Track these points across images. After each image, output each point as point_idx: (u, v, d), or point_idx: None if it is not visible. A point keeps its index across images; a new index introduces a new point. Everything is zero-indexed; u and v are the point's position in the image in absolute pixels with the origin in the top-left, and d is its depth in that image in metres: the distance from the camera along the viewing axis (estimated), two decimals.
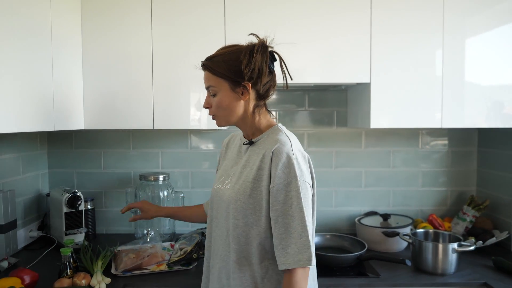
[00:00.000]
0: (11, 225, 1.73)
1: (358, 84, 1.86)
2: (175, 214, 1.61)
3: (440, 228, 1.99)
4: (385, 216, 2.03)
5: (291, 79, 1.23)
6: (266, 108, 1.26)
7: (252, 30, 1.64)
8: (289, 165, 1.10)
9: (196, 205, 1.60)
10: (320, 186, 2.18)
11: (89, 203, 2.11)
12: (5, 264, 1.67)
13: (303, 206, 1.08)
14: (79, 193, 1.93)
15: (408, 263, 1.58)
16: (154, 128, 1.80)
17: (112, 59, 1.79)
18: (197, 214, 1.55)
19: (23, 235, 1.96)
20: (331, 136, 2.19)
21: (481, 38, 1.77)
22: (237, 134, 1.38)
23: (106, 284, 1.51)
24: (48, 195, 2.09)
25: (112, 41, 1.79)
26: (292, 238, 1.07)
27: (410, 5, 1.76)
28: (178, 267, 1.70)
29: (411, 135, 2.19)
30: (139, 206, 1.61)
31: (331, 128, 2.18)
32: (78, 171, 2.21)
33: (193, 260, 1.72)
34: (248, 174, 1.16)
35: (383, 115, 1.78)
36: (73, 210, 1.92)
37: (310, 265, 1.06)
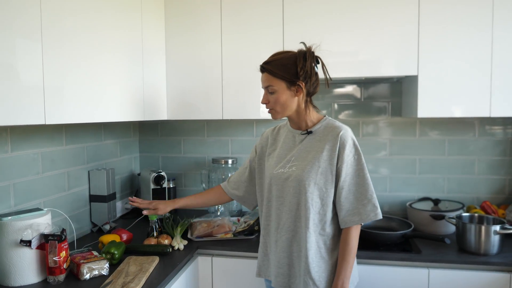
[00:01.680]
0: (112, 197, 2.16)
1: (406, 76, 1.98)
2: (189, 204, 1.78)
3: (492, 214, 2.02)
4: (436, 201, 2.11)
5: (331, 80, 1.48)
6: (312, 103, 1.49)
7: (304, 31, 1.88)
8: (354, 146, 1.41)
9: (210, 189, 1.81)
10: (374, 172, 2.33)
11: (171, 182, 2.50)
12: (107, 226, 2.11)
13: (368, 176, 1.41)
14: (163, 173, 2.32)
15: (447, 241, 1.69)
16: (223, 118, 2.11)
17: (190, 62, 2.13)
18: (216, 197, 1.77)
19: (120, 206, 2.41)
20: (385, 125, 2.32)
21: None
22: (278, 127, 1.63)
23: (184, 245, 1.86)
24: (139, 174, 2.53)
25: (189, 48, 2.12)
26: (367, 200, 1.39)
27: None
28: (241, 237, 1.99)
29: (467, 123, 2.23)
30: (152, 207, 1.73)
31: (385, 117, 2.31)
32: (162, 155, 2.62)
33: (254, 231, 2.00)
34: (315, 156, 1.42)
35: (430, 105, 1.88)
36: (158, 187, 2.32)
37: (380, 217, 1.40)
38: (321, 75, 1.46)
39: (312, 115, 1.49)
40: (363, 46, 1.93)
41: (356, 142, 1.43)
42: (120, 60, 1.75)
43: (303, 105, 1.46)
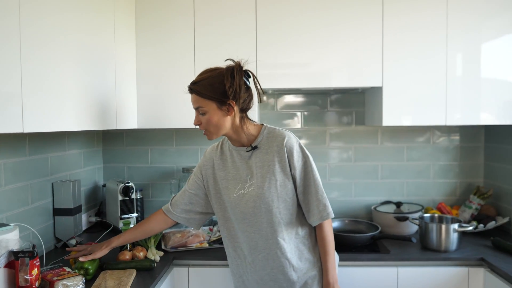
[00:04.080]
0: (78, 209, 2.07)
1: (371, 87, 2.11)
2: (128, 239, 1.64)
3: (448, 214, 2.20)
4: (398, 204, 2.26)
5: (264, 93, 1.47)
6: (248, 118, 1.47)
7: (277, 40, 1.95)
8: (301, 149, 1.43)
9: (150, 216, 1.66)
10: (341, 178, 2.44)
11: (138, 193, 2.44)
12: (73, 241, 2.01)
13: (318, 176, 1.44)
14: (131, 184, 2.26)
15: (414, 240, 1.82)
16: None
17: (161, 70, 2.11)
18: (160, 224, 1.63)
19: (84, 220, 2.31)
20: (350, 134, 2.44)
21: (487, 44, 1.99)
22: (220, 145, 1.56)
23: (160, 257, 1.82)
24: (104, 186, 2.44)
25: (161, 55, 2.10)
26: (318, 201, 1.41)
27: (419, 15, 1.99)
28: (216, 245, 1.99)
29: (424, 131, 2.41)
30: (87, 252, 1.60)
31: (350, 126, 2.44)
32: (128, 165, 2.55)
33: None
34: (268, 171, 1.41)
35: (393, 114, 2.02)
36: (127, 198, 2.25)
37: (333, 216, 1.44)
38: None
39: (250, 129, 1.45)
40: (332, 60, 2.03)
41: (302, 145, 1.44)
42: (87, 68, 1.68)
43: (238, 122, 1.42)
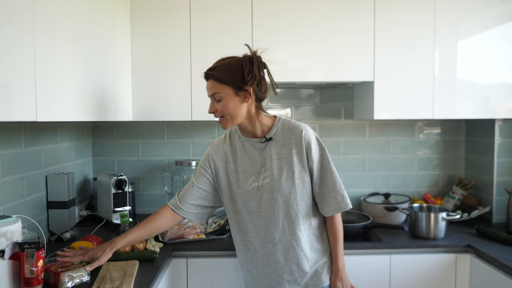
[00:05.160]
0: (72, 202, 2.04)
1: (363, 82, 2.19)
2: (134, 239, 1.51)
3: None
4: (386, 195, 2.36)
5: (277, 86, 1.46)
6: (262, 108, 1.47)
7: (273, 33, 1.99)
8: (318, 142, 1.46)
9: (156, 213, 1.54)
10: None
11: (130, 186, 2.42)
12: (67, 235, 1.99)
13: (334, 168, 1.48)
14: (124, 177, 2.24)
15: (406, 228, 1.92)
16: (192, 120, 2.12)
17: (156, 62, 2.10)
18: (167, 221, 1.53)
19: (76, 213, 2.27)
20: (339, 127, 2.52)
21: (470, 42, 2.10)
22: (227, 136, 1.54)
23: (159, 248, 1.84)
24: (95, 179, 2.41)
25: (156, 47, 2.09)
26: (336, 192, 1.44)
27: (409, 14, 2.08)
28: (213, 237, 2.02)
29: (409, 126, 2.52)
30: (87, 258, 1.45)
31: (339, 120, 2.51)
32: (118, 159, 2.53)
33: (226, 231, 2.04)
34: (286, 163, 1.42)
35: (384, 108, 2.10)
36: (120, 191, 2.23)
37: (351, 207, 1.48)
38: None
39: (265, 119, 1.46)
40: (326, 54, 2.10)
41: (319, 138, 1.46)
42: (89, 61, 1.66)
43: (253, 111, 1.42)
